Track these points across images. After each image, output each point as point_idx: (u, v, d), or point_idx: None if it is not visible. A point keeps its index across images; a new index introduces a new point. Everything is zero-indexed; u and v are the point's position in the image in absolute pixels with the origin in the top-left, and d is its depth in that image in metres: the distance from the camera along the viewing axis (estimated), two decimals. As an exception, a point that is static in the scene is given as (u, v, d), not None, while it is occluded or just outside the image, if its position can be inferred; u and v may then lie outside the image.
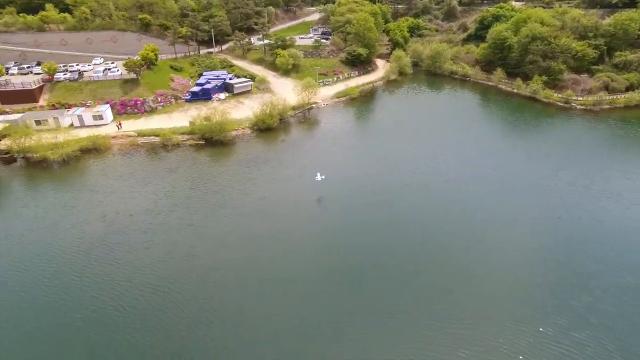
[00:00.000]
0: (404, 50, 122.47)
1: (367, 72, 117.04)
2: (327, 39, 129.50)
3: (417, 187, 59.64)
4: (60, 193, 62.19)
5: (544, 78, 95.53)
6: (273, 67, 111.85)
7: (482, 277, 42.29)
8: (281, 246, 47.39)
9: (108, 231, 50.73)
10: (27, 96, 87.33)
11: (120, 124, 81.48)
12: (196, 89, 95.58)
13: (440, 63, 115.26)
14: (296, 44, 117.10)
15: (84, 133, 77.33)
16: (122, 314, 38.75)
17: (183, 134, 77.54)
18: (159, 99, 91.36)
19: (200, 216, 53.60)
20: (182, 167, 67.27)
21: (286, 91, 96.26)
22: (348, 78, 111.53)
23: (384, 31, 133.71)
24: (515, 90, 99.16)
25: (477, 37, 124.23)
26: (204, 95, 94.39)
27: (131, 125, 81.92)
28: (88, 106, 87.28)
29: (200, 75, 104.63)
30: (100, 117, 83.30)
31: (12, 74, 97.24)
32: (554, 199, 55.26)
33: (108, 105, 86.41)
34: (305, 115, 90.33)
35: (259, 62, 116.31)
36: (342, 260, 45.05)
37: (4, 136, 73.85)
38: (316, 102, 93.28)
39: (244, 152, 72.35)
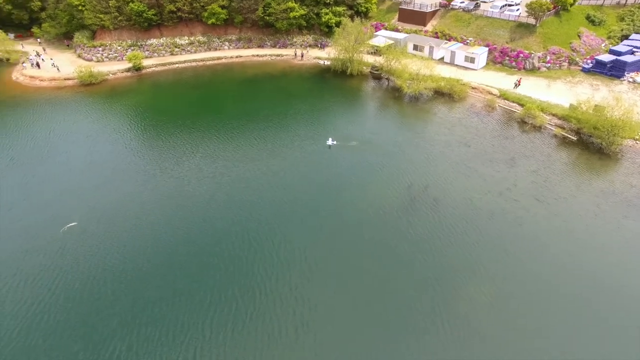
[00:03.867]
0: None
1: None
2: None
3: None
4: (392, 129, 59.27)
5: None
6: None
7: None
8: None
9: (405, 200, 43.90)
10: (419, 18, 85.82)
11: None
12: (605, 57, 69.21)
13: None
14: None
15: (447, 72, 70.50)
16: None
17: (554, 115, 58.52)
18: (548, 58, 71.90)
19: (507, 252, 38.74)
20: (530, 163, 49.92)
21: None
22: None
23: None
24: None
25: None
26: (612, 70, 67.82)
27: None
28: (467, 43, 78.26)
29: (625, 38, 75.52)
30: (472, 61, 73.32)
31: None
32: None
33: (486, 49, 74.45)
34: None
35: None
36: None
37: (382, 53, 75.73)
38: None
39: (627, 179, 47.51)
